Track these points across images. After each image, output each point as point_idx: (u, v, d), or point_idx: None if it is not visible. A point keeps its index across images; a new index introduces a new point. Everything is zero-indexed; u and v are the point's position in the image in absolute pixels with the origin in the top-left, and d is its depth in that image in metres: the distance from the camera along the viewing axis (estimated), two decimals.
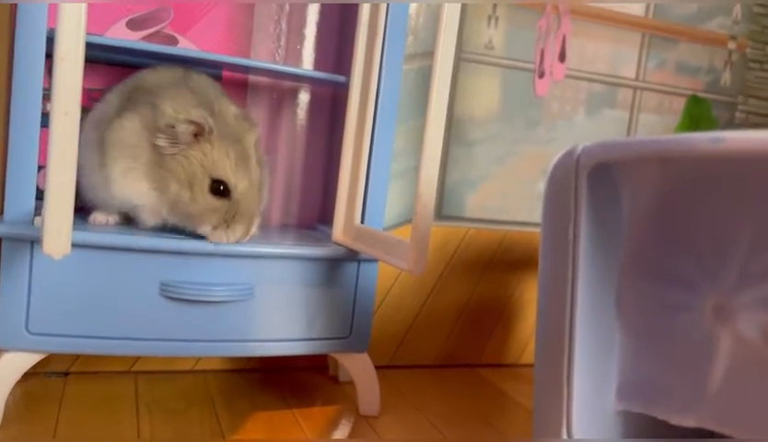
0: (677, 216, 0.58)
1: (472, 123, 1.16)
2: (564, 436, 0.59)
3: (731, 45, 1.32)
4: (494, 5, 1.14)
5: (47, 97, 0.79)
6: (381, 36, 0.87)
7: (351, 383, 0.97)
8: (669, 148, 0.51)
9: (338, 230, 0.90)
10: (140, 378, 0.97)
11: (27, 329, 0.76)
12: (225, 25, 0.98)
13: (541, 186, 1.22)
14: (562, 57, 1.20)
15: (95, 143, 0.79)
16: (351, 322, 0.90)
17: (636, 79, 1.26)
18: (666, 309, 0.58)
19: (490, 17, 1.14)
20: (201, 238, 0.79)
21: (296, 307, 0.86)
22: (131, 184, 0.78)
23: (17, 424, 0.79)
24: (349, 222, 0.89)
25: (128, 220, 0.83)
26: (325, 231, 0.98)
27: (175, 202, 0.77)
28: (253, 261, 0.83)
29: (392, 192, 1.09)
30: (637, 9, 1.24)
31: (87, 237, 0.75)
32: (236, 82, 1.00)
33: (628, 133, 1.27)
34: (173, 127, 0.75)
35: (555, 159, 0.60)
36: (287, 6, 1.01)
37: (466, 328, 1.21)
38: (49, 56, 0.70)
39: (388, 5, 0.87)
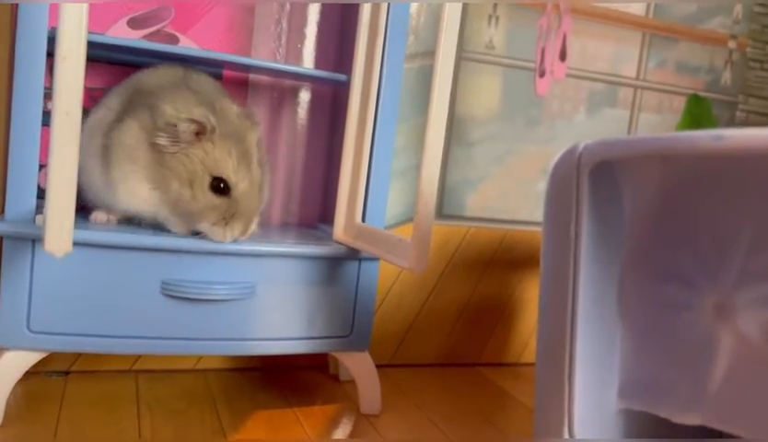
0: (678, 214, 0.58)
1: (473, 123, 1.16)
2: (566, 434, 0.59)
3: (732, 44, 1.32)
4: (495, 5, 1.14)
5: (48, 96, 0.79)
6: (382, 35, 0.87)
7: (352, 382, 0.97)
8: (671, 146, 0.51)
9: (339, 229, 0.90)
10: (141, 377, 0.97)
11: (28, 327, 0.76)
12: (225, 24, 0.98)
13: (542, 185, 1.22)
14: (562, 56, 1.20)
15: (97, 149, 0.79)
16: (352, 321, 0.90)
17: (637, 78, 1.26)
18: (667, 307, 0.58)
19: (490, 17, 1.14)
20: (202, 236, 0.79)
21: (296, 305, 0.86)
22: (133, 187, 0.78)
23: (17, 422, 0.79)
24: (350, 221, 0.89)
25: (129, 219, 0.83)
26: (326, 230, 0.98)
27: (176, 200, 0.77)
28: (254, 260, 0.83)
29: (393, 191, 1.09)
30: (638, 8, 1.24)
31: (88, 235, 0.75)
32: (237, 81, 1.00)
33: (629, 133, 1.27)
34: (175, 126, 0.75)
35: (557, 157, 0.60)
36: (288, 5, 1.01)
37: (467, 327, 1.21)
38: (50, 55, 0.70)
39: (389, 4, 0.87)
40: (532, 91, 1.19)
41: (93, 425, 0.80)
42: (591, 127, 1.24)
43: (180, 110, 0.75)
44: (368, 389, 0.93)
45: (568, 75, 1.21)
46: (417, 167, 1.11)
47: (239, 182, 0.78)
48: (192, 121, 0.75)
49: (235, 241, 0.80)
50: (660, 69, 1.28)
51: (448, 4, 0.70)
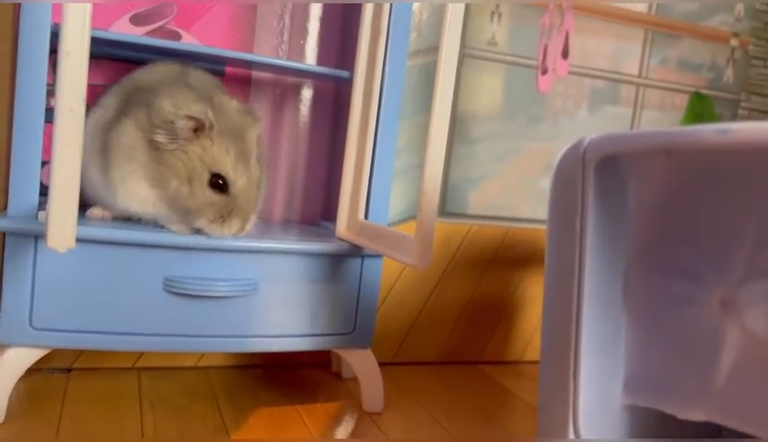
0: (684, 209, 0.58)
1: (475, 120, 1.16)
2: (571, 430, 0.59)
3: (734, 42, 1.32)
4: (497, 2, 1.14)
5: (51, 92, 0.79)
6: (385, 32, 0.86)
7: (354, 379, 0.97)
8: (676, 140, 0.50)
9: (342, 226, 0.90)
10: (143, 375, 0.97)
11: (30, 324, 0.76)
12: (228, 20, 0.98)
13: (544, 183, 1.22)
14: (565, 53, 1.20)
15: (96, 149, 0.79)
16: (354, 318, 0.90)
17: (639, 76, 1.26)
18: (673, 302, 0.58)
19: (493, 14, 1.14)
20: (204, 233, 0.79)
21: (299, 302, 0.86)
22: (132, 187, 0.77)
23: (20, 420, 0.78)
24: (353, 218, 0.89)
25: (127, 217, 0.83)
26: (328, 227, 0.98)
27: (174, 197, 0.77)
28: (257, 257, 0.83)
29: (395, 189, 1.09)
30: (640, 6, 1.24)
31: (90, 232, 0.75)
32: (239, 77, 1.00)
33: (631, 130, 1.27)
34: (173, 123, 0.75)
35: (562, 152, 0.60)
36: (290, 2, 1.01)
37: (469, 325, 1.20)
38: (53, 51, 0.70)
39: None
40: (535, 88, 1.19)
41: (95, 423, 0.80)
42: (593, 125, 1.24)
43: (179, 106, 0.75)
44: (371, 387, 0.93)
45: (570, 73, 1.21)
46: (419, 165, 1.10)
47: (238, 179, 0.78)
48: (191, 117, 0.75)
49: (233, 237, 0.79)
50: (662, 67, 1.28)
51: (451, 2, 0.70)
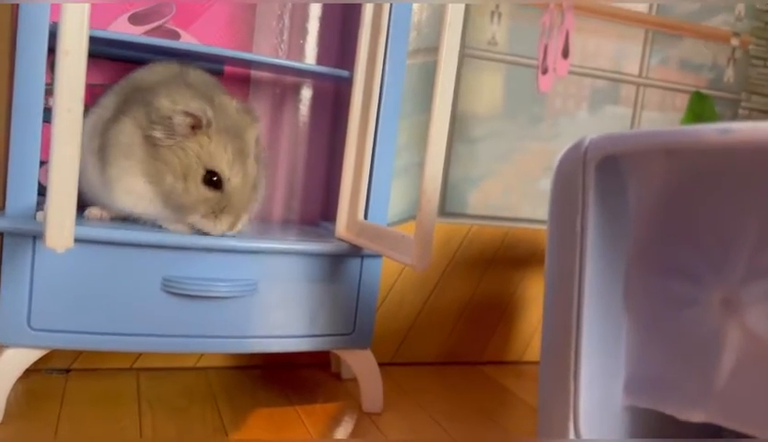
0: (684, 209, 0.57)
1: (475, 120, 1.16)
2: (571, 430, 0.59)
3: (734, 42, 1.32)
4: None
5: (49, 92, 0.78)
6: (385, 31, 0.86)
7: (353, 380, 0.97)
8: (677, 140, 0.50)
9: (341, 226, 0.90)
10: (142, 375, 0.97)
11: (29, 325, 0.75)
12: (227, 20, 0.97)
13: (544, 183, 1.21)
14: (565, 53, 1.20)
15: (94, 148, 0.79)
16: (354, 319, 0.90)
17: (639, 76, 1.26)
18: (674, 303, 0.58)
19: (493, 13, 1.14)
20: (203, 233, 0.79)
21: (298, 303, 0.86)
22: (128, 183, 0.77)
23: (18, 420, 0.78)
24: (352, 218, 0.89)
25: (124, 217, 0.83)
26: (328, 227, 0.98)
27: (169, 193, 0.77)
28: (256, 257, 0.83)
29: (395, 189, 1.09)
30: (640, 5, 1.24)
31: (89, 232, 0.75)
32: (238, 77, 1.00)
33: (631, 130, 1.26)
34: (170, 118, 0.75)
35: (562, 152, 0.60)
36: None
37: (469, 325, 1.20)
38: (51, 51, 0.70)
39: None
40: (535, 88, 1.19)
41: (94, 423, 0.80)
42: (594, 124, 1.24)
43: (177, 103, 0.75)
44: (370, 388, 0.92)
45: (571, 73, 1.21)
46: (419, 164, 1.10)
47: (233, 177, 0.78)
48: (188, 113, 0.75)
49: (223, 235, 0.79)
50: (663, 66, 1.27)
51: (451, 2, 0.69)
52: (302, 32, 1.02)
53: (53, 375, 0.94)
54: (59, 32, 0.61)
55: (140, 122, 0.76)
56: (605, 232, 0.58)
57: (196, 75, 0.85)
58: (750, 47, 1.33)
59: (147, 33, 0.93)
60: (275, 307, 0.85)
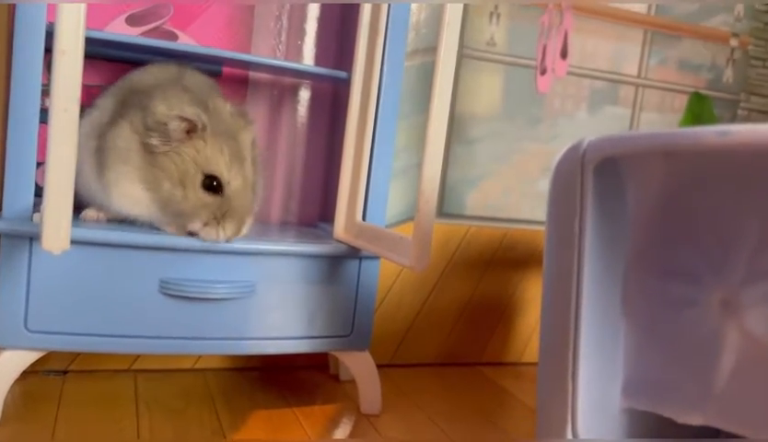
0: (683, 211, 0.57)
1: (474, 121, 1.15)
2: (569, 432, 0.58)
3: (733, 42, 1.32)
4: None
5: (46, 92, 0.78)
6: (383, 32, 0.86)
7: (352, 382, 0.97)
8: (676, 142, 0.50)
9: (339, 227, 0.90)
10: (139, 377, 0.97)
11: (26, 326, 0.75)
12: (225, 21, 0.97)
13: (543, 184, 1.21)
14: (564, 54, 1.20)
15: (91, 151, 0.79)
16: (352, 320, 0.90)
17: (638, 76, 1.26)
18: (672, 305, 0.58)
19: (492, 14, 1.14)
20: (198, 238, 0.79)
21: (296, 304, 0.86)
22: (126, 188, 0.77)
23: (15, 422, 0.78)
24: (350, 219, 0.89)
25: (121, 219, 0.83)
26: (326, 229, 0.98)
27: (167, 200, 0.76)
28: (254, 259, 0.83)
29: (393, 190, 1.09)
30: (639, 6, 1.23)
31: (86, 233, 0.75)
32: (236, 78, 1.00)
33: (630, 132, 1.26)
34: (165, 124, 0.74)
35: (561, 154, 0.60)
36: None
37: (467, 326, 1.20)
38: (48, 51, 0.70)
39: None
40: (533, 89, 1.19)
41: (91, 425, 0.80)
42: (593, 125, 1.24)
43: (172, 108, 0.74)
44: (369, 389, 0.92)
45: (569, 73, 1.21)
46: (417, 165, 1.10)
47: (232, 180, 0.77)
48: (183, 118, 0.74)
49: (228, 241, 0.78)
50: (662, 67, 1.27)
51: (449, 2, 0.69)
52: (300, 33, 1.02)
53: (51, 376, 0.93)
54: (55, 32, 0.61)
55: (137, 128, 0.76)
56: (603, 234, 0.58)
57: (193, 77, 0.85)
58: (749, 47, 1.33)
59: (145, 34, 0.93)
60: (273, 308, 0.84)
